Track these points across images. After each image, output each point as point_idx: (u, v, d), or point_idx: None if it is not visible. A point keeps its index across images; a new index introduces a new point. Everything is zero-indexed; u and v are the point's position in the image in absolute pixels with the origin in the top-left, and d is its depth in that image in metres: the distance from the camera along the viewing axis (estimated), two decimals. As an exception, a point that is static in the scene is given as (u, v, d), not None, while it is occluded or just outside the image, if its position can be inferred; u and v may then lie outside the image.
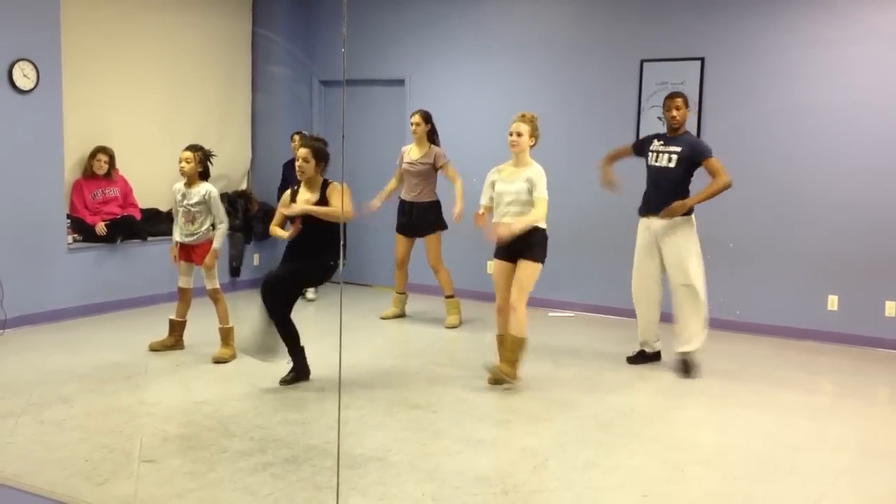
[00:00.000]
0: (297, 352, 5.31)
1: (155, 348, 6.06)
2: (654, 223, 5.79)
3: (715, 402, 5.26)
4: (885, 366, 6.24)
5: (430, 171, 7.07)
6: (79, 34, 7.14)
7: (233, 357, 5.85)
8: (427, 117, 7.10)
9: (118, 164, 7.48)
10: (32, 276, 6.75)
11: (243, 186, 8.89)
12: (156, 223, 7.67)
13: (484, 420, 4.83)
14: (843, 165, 6.76)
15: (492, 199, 5.47)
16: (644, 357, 6.05)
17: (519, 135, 5.40)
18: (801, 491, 3.93)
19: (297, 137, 7.55)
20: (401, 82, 8.63)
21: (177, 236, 5.97)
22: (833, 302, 6.86)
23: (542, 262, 5.37)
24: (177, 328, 6.12)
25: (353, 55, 8.67)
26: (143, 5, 7.72)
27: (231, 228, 8.27)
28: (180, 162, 5.85)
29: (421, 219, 7.12)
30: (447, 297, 7.12)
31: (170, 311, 6.13)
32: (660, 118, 7.40)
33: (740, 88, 7.08)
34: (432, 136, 7.13)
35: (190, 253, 5.96)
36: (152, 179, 7.86)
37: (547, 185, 5.31)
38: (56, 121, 6.87)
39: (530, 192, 5.28)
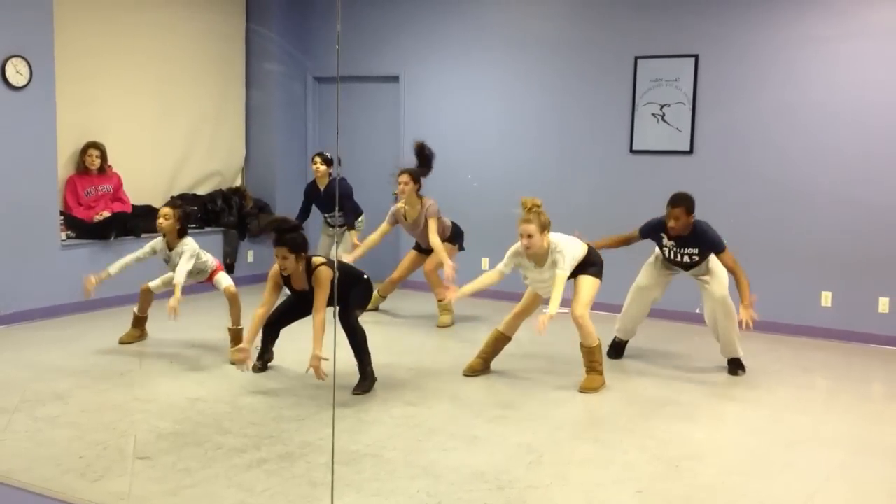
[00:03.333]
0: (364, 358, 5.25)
1: (124, 341, 6.14)
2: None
3: (709, 398, 5.27)
4: (879, 362, 6.26)
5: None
6: (72, 30, 7.12)
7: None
8: (415, 175, 6.88)
9: (111, 161, 7.46)
10: (26, 273, 6.73)
11: (237, 183, 8.88)
12: (149, 219, 7.63)
13: (479, 416, 4.83)
14: (837, 162, 6.77)
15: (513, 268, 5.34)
16: (621, 348, 6.14)
17: (529, 236, 5.06)
18: (795, 486, 3.95)
19: (317, 159, 7.48)
20: (395, 79, 8.62)
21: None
22: (827, 298, 6.88)
23: (600, 278, 5.39)
24: (140, 322, 6.22)
25: (347, 52, 8.66)
26: (136, 1, 7.70)
27: (225, 225, 8.33)
28: (158, 217, 5.87)
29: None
30: (440, 300, 7.11)
31: (164, 307, 6.10)
32: (654, 115, 7.42)
33: (734, 85, 7.09)
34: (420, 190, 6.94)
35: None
36: (146, 176, 7.84)
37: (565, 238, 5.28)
38: (49, 117, 6.85)
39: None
